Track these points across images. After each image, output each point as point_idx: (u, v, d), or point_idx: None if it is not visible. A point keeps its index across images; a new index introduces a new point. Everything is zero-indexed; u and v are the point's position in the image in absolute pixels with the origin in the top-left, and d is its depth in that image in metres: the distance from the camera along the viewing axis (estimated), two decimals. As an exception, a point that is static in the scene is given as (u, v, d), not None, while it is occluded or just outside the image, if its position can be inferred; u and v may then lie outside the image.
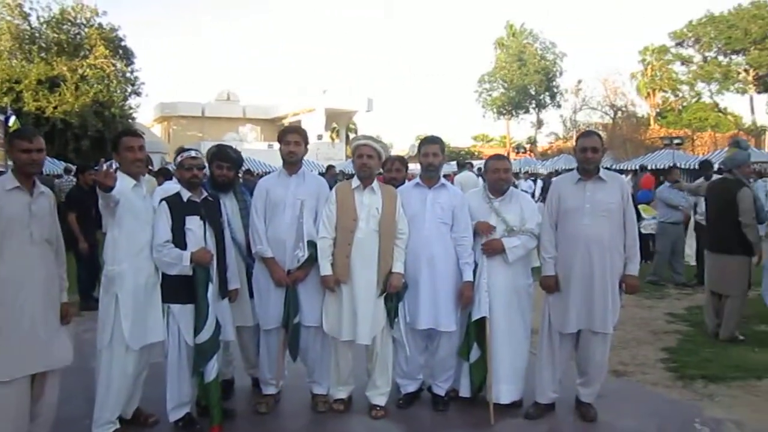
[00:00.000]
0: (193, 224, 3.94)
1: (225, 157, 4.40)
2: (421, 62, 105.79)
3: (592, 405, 4.27)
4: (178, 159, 4.08)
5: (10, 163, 12.31)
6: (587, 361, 4.21)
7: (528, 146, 42.50)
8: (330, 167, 15.74)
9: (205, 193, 4.10)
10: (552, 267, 4.20)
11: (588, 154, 4.12)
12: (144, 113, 38.92)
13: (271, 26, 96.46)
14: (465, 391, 4.41)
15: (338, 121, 41.69)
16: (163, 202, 3.94)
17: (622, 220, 4.11)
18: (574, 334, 4.20)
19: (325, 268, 4.16)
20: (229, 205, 4.38)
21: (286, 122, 39.64)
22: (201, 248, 3.88)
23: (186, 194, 4.00)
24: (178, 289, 3.88)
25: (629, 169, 19.81)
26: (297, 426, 4.26)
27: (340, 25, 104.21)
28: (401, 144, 44.15)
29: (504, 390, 4.29)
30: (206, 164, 4.40)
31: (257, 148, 29.97)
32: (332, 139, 39.37)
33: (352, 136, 42.63)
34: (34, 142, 3.41)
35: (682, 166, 18.63)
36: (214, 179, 4.39)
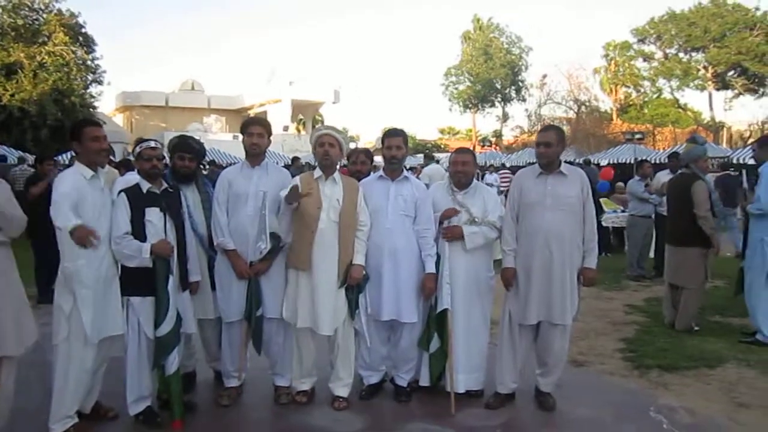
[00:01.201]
0: (153, 216, 3.89)
1: (187, 148, 4.35)
2: (388, 54, 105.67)
3: (551, 395, 4.36)
4: (137, 150, 4.02)
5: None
6: (546, 352, 4.29)
7: (493, 140, 42.85)
8: (295, 159, 15.69)
9: (165, 185, 4.05)
10: (512, 260, 4.26)
11: (540, 149, 4.20)
12: (105, 102, 38.09)
13: (237, 15, 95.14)
14: (424, 381, 4.46)
15: (304, 113, 41.36)
16: (122, 194, 3.87)
17: (581, 213, 4.18)
18: (534, 325, 4.27)
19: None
20: (191, 197, 4.33)
21: (251, 113, 39.22)
22: (161, 240, 3.84)
23: (146, 185, 3.94)
24: (137, 281, 3.82)
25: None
26: (259, 418, 4.26)
27: (307, 16, 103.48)
28: (368, 136, 44.08)
29: (462, 379, 4.36)
30: (166, 155, 4.34)
31: (222, 139, 29.58)
32: (298, 130, 39.04)
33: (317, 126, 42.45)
34: None
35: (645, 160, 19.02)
36: (176, 170, 4.33)
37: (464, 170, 4.39)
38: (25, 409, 3.88)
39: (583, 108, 42.03)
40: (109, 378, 4.07)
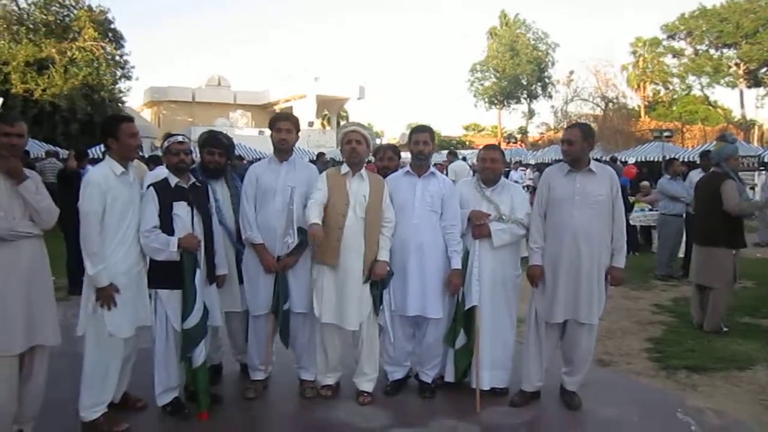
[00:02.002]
0: (181, 210, 3.93)
1: (216, 143, 4.39)
2: (414, 51, 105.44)
3: (576, 393, 4.32)
4: (165, 144, 4.06)
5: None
6: (573, 351, 4.26)
7: (519, 136, 42.59)
8: (321, 154, 15.73)
9: (193, 179, 4.09)
10: (539, 257, 4.24)
11: (564, 146, 4.18)
12: (134, 97, 38.68)
13: (263, 11, 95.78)
14: (449, 377, 4.46)
15: (329, 109, 41.54)
16: (151, 188, 3.92)
17: (610, 212, 4.14)
18: (560, 324, 4.24)
19: (313, 218, 3.97)
20: (219, 191, 4.37)
21: (277, 108, 39.50)
22: (188, 234, 3.88)
23: (173, 180, 3.98)
24: (165, 274, 3.87)
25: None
26: (285, 411, 4.29)
27: (333, 12, 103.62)
28: (392, 132, 44.03)
29: (487, 376, 4.35)
30: (194, 150, 4.38)
31: (248, 135, 29.81)
32: (323, 126, 39.23)
33: (343, 123, 42.53)
34: (14, 126, 3.40)
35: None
36: (205, 165, 4.38)
37: (493, 167, 4.37)
38: (56, 398, 3.94)
39: (610, 105, 41.53)
40: (138, 368, 4.13)
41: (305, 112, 35.79)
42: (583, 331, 4.18)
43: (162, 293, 3.91)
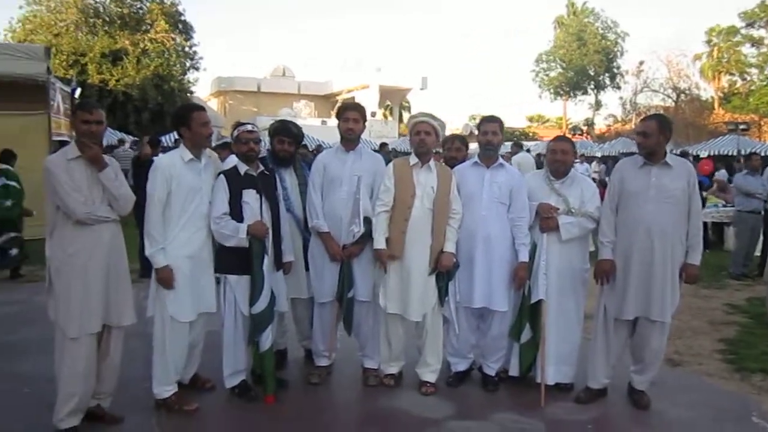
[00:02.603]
0: (250, 197, 4.00)
1: (287, 132, 4.45)
2: (477, 40, 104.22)
3: (645, 393, 4.20)
4: (235, 133, 4.14)
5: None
6: (643, 349, 4.14)
7: (585, 128, 41.56)
8: (383, 144, 15.78)
9: (262, 167, 4.16)
10: (609, 252, 4.13)
11: (638, 138, 4.05)
12: (201, 87, 39.67)
13: (328, 1, 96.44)
14: (514, 371, 4.41)
15: (392, 99, 41.53)
16: (221, 176, 4.01)
17: (686, 207, 3.99)
18: (630, 321, 4.12)
19: (379, 242, 4.18)
20: (288, 179, 4.44)
21: (339, 99, 39.78)
22: (257, 221, 3.94)
23: (243, 168, 4.06)
24: (234, 260, 3.95)
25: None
26: (348, 398, 4.35)
27: (396, 2, 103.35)
28: (455, 123, 43.67)
29: (552, 372, 4.28)
30: (263, 138, 4.46)
31: (311, 124, 30.10)
32: (385, 116, 39.30)
33: (405, 114, 42.49)
34: (93, 114, 3.53)
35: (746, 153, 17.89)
36: (275, 153, 4.44)
37: (563, 159, 4.28)
38: (131, 376, 4.10)
39: (682, 96, 40.01)
40: (208, 351, 4.26)
41: (367, 103, 35.84)
42: (655, 329, 4.05)
43: (231, 278, 4.00)
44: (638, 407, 4.14)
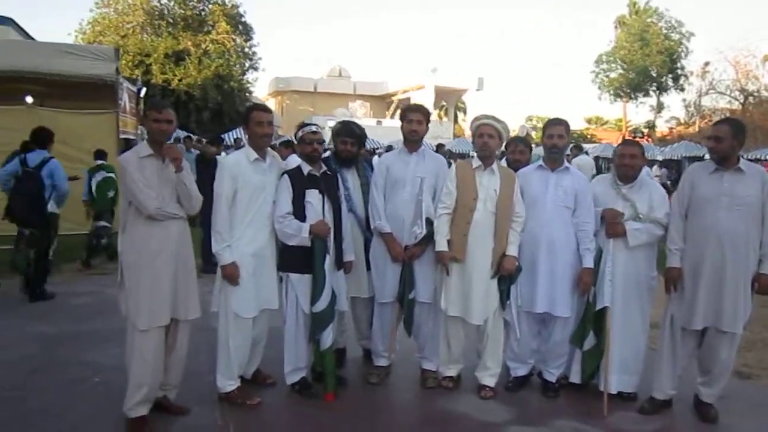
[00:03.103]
0: (313, 197, 4.05)
1: (350, 133, 4.49)
2: (534, 41, 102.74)
3: (713, 405, 4.07)
4: (300, 134, 4.20)
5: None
6: (711, 360, 4.01)
7: (645, 131, 40.46)
8: (440, 146, 15.73)
9: (325, 167, 4.21)
10: (678, 259, 4.01)
11: (710, 143, 3.92)
12: (260, 87, 40.41)
13: (384, 2, 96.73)
14: (575, 378, 4.35)
15: (447, 100, 41.38)
16: (286, 176, 4.08)
17: (760, 214, 3.84)
18: (698, 331, 4.00)
19: (441, 245, 4.18)
20: (351, 179, 4.48)
21: (395, 99, 39.89)
22: (319, 221, 3.99)
23: (306, 168, 4.11)
24: (296, 259, 4.02)
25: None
26: (406, 399, 4.35)
27: (453, 2, 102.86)
28: (511, 125, 43.24)
29: (615, 380, 4.19)
30: (326, 139, 4.51)
31: (366, 124, 30.06)
32: (440, 117, 39.15)
33: (460, 114, 42.23)
34: (162, 113, 3.64)
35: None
36: (338, 154, 4.49)
37: (632, 163, 4.18)
38: (195, 369, 4.21)
39: (750, 99, 38.48)
40: (270, 347, 4.34)
41: (423, 103, 35.79)
42: (725, 340, 3.91)
43: (293, 277, 4.07)
44: (705, 420, 4.01)
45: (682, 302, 4.00)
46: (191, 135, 17.55)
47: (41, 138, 6.77)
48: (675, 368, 4.10)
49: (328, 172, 4.22)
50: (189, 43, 26.88)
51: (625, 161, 4.19)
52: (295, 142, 4.50)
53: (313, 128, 4.19)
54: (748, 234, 3.83)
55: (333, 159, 4.48)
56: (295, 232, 3.96)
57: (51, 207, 6.71)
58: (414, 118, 4.38)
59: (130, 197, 3.57)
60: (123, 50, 23.58)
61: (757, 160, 16.57)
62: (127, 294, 3.59)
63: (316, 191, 4.08)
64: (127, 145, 12.13)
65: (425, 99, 37.13)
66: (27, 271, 6.62)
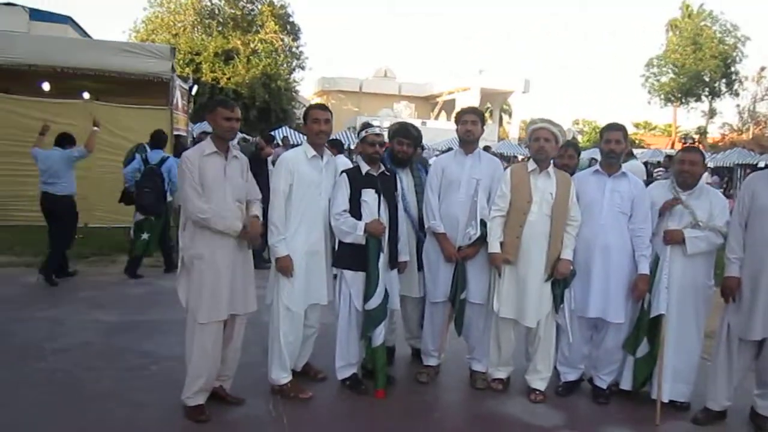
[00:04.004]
0: (369, 197, 4.11)
1: (406, 134, 4.53)
2: (583, 44, 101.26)
3: (769, 419, 3.99)
4: (363, 134, 4.26)
5: (188, 128, 13.32)
6: (769, 372, 3.93)
7: (697, 137, 39.49)
8: (486, 147, 15.63)
9: (383, 168, 4.26)
10: (737, 269, 3.94)
11: None
12: (306, 87, 40.82)
13: (432, 3, 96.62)
14: (626, 385, 4.31)
15: (493, 102, 41.12)
16: (344, 174, 4.16)
17: None
18: (756, 341, 3.92)
19: (494, 246, 4.19)
20: (405, 179, 4.52)
21: (440, 100, 39.84)
22: (374, 220, 4.05)
23: (365, 168, 4.18)
24: (351, 256, 4.09)
25: None
26: (455, 399, 4.38)
27: (501, 4, 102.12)
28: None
29: (667, 389, 4.14)
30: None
31: (411, 126, 30.27)
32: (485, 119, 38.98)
33: (505, 117, 41.91)
34: (234, 111, 3.75)
35: None
36: (394, 155, 4.54)
37: (691, 170, 4.12)
38: (247, 361, 4.29)
39: (807, 105, 37.26)
40: (322, 342, 4.42)
41: (468, 105, 35.70)
42: (784, 352, 3.84)
43: (347, 273, 4.14)
44: (761, 433, 3.94)
45: (739, 312, 3.94)
46: (246, 136, 17.86)
47: (160, 139, 7.84)
48: (731, 379, 4.03)
49: (387, 173, 4.27)
50: (238, 42, 27.35)
51: (685, 167, 4.13)
52: (357, 141, 4.56)
53: (377, 130, 4.24)
54: (811, 244, 3.74)
55: (389, 159, 4.53)
56: (350, 230, 4.03)
57: (169, 197, 7.72)
58: (469, 119, 4.41)
59: (182, 197, 3.68)
60: (176, 49, 24.14)
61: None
62: (188, 288, 3.70)
63: (372, 191, 4.13)
64: (177, 141, 12.44)
65: (471, 100, 36.97)
66: (139, 253, 7.62)
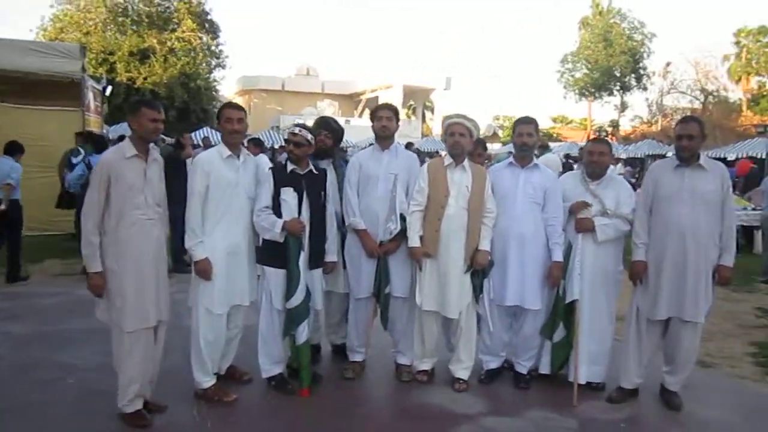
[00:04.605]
0: (288, 195, 4.08)
1: (326, 126, 4.59)
2: (501, 42, 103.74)
3: (677, 394, 4.22)
4: (285, 135, 4.24)
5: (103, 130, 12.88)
6: (675, 350, 4.16)
7: (610, 129, 41.20)
8: (409, 144, 15.79)
9: (311, 166, 4.23)
10: (643, 253, 4.16)
11: (683, 141, 4.03)
12: (227, 86, 40.01)
13: (353, 1, 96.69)
14: (545, 369, 4.47)
15: (415, 99, 41.53)
16: (269, 171, 4.14)
17: (720, 209, 4.01)
18: (662, 321, 4.15)
19: (414, 241, 4.25)
20: (328, 176, 4.51)
21: (363, 98, 39.91)
22: (293, 218, 4.03)
23: (290, 166, 4.16)
24: (272, 253, 4.07)
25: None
26: (382, 394, 4.42)
27: (420, 2, 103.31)
28: (479, 123, 43.60)
29: (583, 370, 4.32)
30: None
31: (334, 124, 30.16)
32: (408, 116, 39.29)
33: (428, 114, 42.43)
34: (160, 112, 3.65)
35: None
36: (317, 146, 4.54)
37: (599, 160, 4.31)
38: (167, 367, 4.13)
39: (709, 98, 39.49)
40: (246, 344, 4.37)
41: (391, 102, 35.89)
42: (687, 330, 4.07)
43: (268, 271, 4.11)
44: (670, 408, 4.16)
45: (646, 294, 4.15)
46: (164, 137, 17.36)
47: (101, 143, 8.10)
48: (641, 358, 4.24)
49: (315, 171, 4.25)
50: (154, 40, 26.52)
51: (594, 158, 4.32)
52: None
53: (296, 130, 4.20)
54: (708, 228, 3.99)
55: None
56: (269, 227, 4.00)
57: None
58: (384, 115, 4.46)
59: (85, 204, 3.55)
60: (86, 48, 23.19)
61: (723, 160, 16.96)
62: (110, 298, 3.57)
63: (291, 189, 4.10)
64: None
65: (393, 98, 37.16)
66: None
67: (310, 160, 4.39)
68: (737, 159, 20.00)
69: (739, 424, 4.00)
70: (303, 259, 4.06)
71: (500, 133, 35.41)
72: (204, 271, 3.90)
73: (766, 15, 39.95)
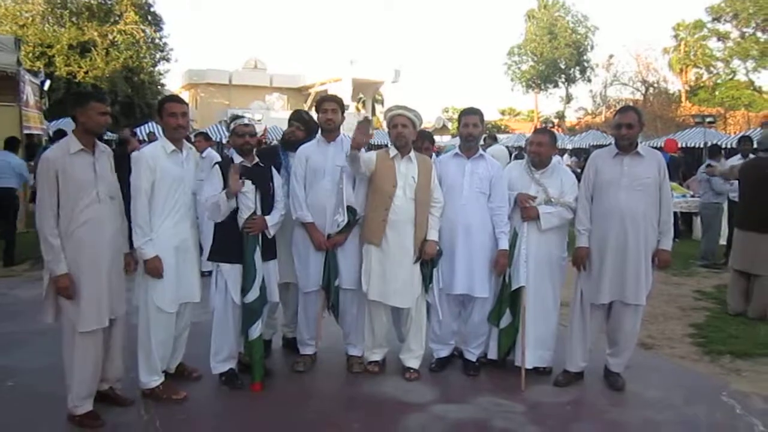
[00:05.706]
0: (246, 187, 4.02)
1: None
2: (449, 34, 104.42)
3: (620, 375, 4.36)
4: (232, 126, 4.19)
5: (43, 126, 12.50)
6: (618, 332, 4.30)
7: (556, 121, 42.04)
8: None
9: (257, 159, 4.20)
10: (585, 239, 4.28)
11: (623, 130, 4.15)
12: (173, 80, 39.15)
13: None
14: (493, 354, 4.54)
15: (365, 92, 41.45)
16: (216, 166, 4.07)
17: (657, 195, 4.15)
18: (605, 305, 4.28)
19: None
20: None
21: (312, 91, 39.61)
22: (259, 217, 4.02)
23: (238, 160, 4.11)
24: (228, 248, 4.02)
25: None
26: (333, 385, 4.41)
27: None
28: (427, 116, 43.84)
29: (530, 356, 4.40)
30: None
31: (283, 117, 29.78)
32: (358, 109, 39.19)
33: (378, 106, 42.44)
34: (107, 105, 3.57)
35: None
36: (284, 137, 4.58)
37: (539, 150, 4.40)
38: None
39: (650, 89, 40.68)
40: (194, 341, 4.31)
41: (341, 95, 35.56)
42: (629, 312, 4.21)
43: (224, 267, 4.06)
44: (614, 389, 4.30)
45: (589, 279, 4.28)
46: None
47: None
48: (585, 342, 4.36)
49: (261, 164, 4.21)
50: (95, 33, 25.68)
51: (533, 148, 4.42)
52: (228, 134, 4.49)
53: (245, 121, 4.18)
54: (647, 213, 4.13)
55: (281, 144, 4.51)
56: (215, 199, 3.92)
57: None
58: (329, 107, 4.44)
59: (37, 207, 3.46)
60: (22, 41, 22.34)
61: (661, 149, 17.49)
62: (62, 299, 3.49)
63: (249, 181, 4.04)
64: (30, 140, 11.58)
65: (343, 91, 37.03)
66: None
67: (282, 150, 4.36)
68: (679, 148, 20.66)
69: (679, 403, 4.14)
70: (258, 253, 4.03)
71: (449, 125, 35.67)
72: (155, 269, 3.82)
73: (702, 10, 41.22)
